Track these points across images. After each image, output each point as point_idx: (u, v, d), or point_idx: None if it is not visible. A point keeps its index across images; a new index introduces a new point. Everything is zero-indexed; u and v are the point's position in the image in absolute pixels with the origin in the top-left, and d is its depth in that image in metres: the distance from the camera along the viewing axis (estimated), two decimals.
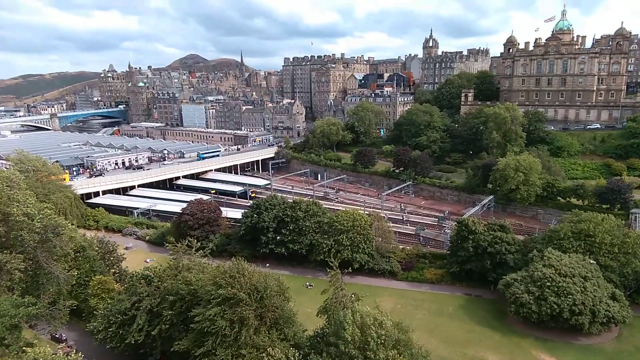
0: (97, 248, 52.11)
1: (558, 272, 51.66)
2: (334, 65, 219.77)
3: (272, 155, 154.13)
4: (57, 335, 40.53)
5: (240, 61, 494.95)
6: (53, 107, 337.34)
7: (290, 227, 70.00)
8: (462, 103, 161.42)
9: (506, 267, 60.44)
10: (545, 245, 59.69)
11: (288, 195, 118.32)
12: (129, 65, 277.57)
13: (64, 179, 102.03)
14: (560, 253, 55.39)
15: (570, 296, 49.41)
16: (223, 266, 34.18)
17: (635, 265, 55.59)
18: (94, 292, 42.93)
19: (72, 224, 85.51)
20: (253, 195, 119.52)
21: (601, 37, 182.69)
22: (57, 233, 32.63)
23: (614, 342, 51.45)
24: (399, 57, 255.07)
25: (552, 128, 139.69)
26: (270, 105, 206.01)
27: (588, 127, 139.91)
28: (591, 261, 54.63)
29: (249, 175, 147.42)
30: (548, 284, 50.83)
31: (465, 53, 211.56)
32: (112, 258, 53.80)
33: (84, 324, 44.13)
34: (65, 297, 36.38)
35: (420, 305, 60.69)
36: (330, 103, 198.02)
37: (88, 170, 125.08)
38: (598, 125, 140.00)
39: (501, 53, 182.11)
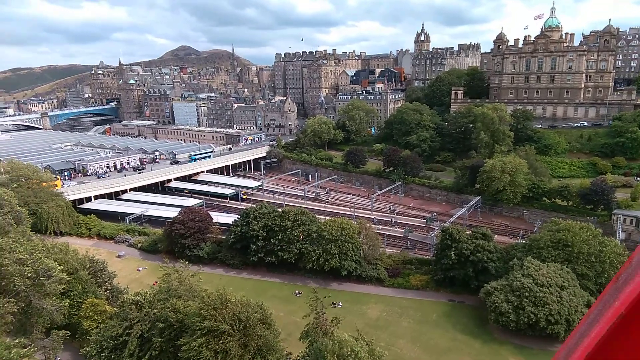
0: (89, 265, 53.46)
1: (536, 282, 53.71)
2: (325, 62, 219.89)
3: (264, 154, 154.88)
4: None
5: (232, 52, 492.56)
6: (44, 103, 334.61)
7: (279, 237, 71.55)
8: (452, 101, 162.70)
9: (488, 274, 62.51)
10: (525, 253, 61.71)
11: (279, 197, 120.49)
12: (120, 62, 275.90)
13: (56, 185, 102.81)
14: (539, 262, 57.40)
15: (547, 306, 51.53)
16: (208, 295, 35.64)
17: (610, 274, 57.74)
18: (87, 314, 44.42)
19: (65, 232, 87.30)
20: (245, 197, 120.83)
21: (590, 33, 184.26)
22: (48, 276, 33.98)
23: None
24: (390, 52, 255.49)
25: (540, 126, 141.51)
26: (262, 102, 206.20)
27: (576, 124, 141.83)
28: (568, 270, 56.72)
29: (241, 176, 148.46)
30: (526, 293, 52.92)
31: (456, 48, 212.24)
32: (103, 276, 55.20)
33: (77, 344, 45.69)
34: (59, 325, 37.88)
35: (405, 313, 62.73)
36: (322, 100, 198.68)
37: (80, 174, 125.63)
38: (585, 123, 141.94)
39: (491, 49, 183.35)
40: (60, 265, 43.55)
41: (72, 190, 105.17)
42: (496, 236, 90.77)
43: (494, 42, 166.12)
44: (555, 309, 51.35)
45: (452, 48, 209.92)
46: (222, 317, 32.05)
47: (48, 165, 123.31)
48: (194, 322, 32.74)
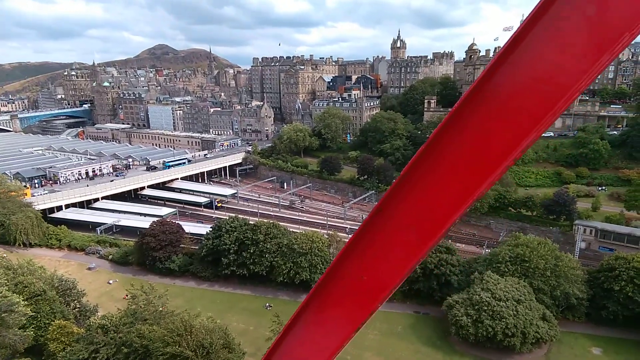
0: (57, 284, 53.44)
1: (494, 296, 56.39)
2: (302, 67, 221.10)
3: (240, 161, 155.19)
4: None
5: (209, 52, 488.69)
6: (14, 103, 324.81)
7: (251, 250, 72.62)
8: (426, 109, 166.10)
9: (451, 287, 65.20)
10: (486, 267, 64.53)
11: (254, 204, 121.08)
12: (94, 63, 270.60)
13: (25, 195, 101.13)
14: (498, 277, 60.17)
15: (504, 320, 54.23)
16: (173, 321, 36.55)
17: (565, 288, 60.99)
18: (54, 336, 44.56)
19: (34, 243, 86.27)
20: (219, 205, 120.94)
21: None
22: (11, 310, 34.33)
23: (543, 359, 56.90)
24: (367, 58, 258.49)
25: None
26: (239, 107, 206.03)
27: (543, 134, 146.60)
28: (525, 284, 59.65)
29: (216, 182, 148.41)
30: (485, 307, 55.53)
31: (430, 57, 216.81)
32: (72, 294, 55.17)
33: None
34: (25, 348, 38.06)
35: (372, 325, 64.48)
36: (299, 106, 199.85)
37: (50, 182, 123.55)
38: (552, 133, 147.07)
39: (464, 59, 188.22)
40: (26, 288, 43.70)
41: (42, 200, 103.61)
42: (463, 245, 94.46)
43: (466, 52, 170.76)
44: (512, 323, 54.09)
45: (426, 56, 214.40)
46: (186, 343, 33.14)
47: (17, 173, 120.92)
48: (158, 347, 33.72)
